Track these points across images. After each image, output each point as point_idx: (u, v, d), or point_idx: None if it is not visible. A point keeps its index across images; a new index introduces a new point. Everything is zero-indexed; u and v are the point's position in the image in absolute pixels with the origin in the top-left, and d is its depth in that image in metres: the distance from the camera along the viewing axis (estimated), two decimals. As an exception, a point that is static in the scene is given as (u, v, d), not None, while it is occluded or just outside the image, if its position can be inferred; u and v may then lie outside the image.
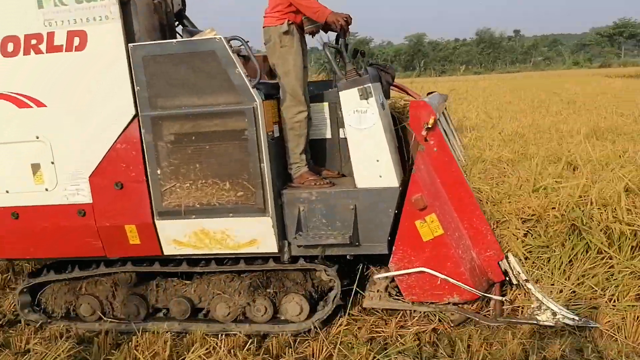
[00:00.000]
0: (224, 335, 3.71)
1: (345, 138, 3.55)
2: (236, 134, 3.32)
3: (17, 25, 3.40)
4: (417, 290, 3.61)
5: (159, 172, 3.43)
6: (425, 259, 3.54)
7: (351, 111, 3.37)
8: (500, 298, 3.54)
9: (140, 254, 3.67)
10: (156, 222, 3.50)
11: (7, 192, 3.62)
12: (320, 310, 3.76)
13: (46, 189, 3.57)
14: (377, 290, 3.79)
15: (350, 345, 3.44)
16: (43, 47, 3.40)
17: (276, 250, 3.49)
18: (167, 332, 3.79)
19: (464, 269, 3.50)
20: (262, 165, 3.32)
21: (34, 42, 3.40)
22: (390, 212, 3.42)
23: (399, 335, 3.55)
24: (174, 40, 3.42)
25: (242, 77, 3.26)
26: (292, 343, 3.61)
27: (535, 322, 3.43)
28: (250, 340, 3.62)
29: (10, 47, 3.43)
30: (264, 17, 3.59)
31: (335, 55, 3.70)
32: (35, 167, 3.57)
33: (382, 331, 3.60)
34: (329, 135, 3.92)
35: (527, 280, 3.51)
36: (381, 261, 3.92)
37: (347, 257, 3.63)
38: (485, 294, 3.54)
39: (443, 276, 3.48)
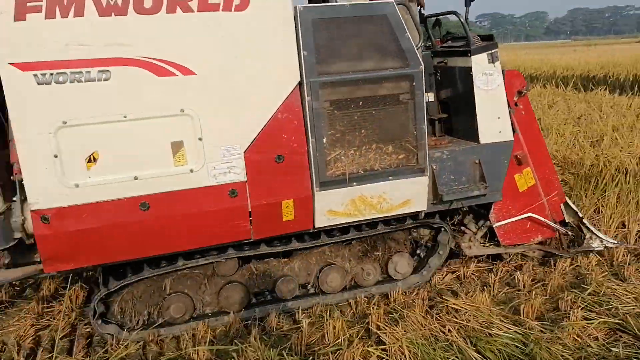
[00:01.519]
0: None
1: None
2: (402, 97, 3.38)
3: (159, -24, 2.84)
4: (512, 235, 4.19)
5: (325, 140, 3.27)
6: (520, 207, 4.13)
7: (480, 74, 3.71)
8: (570, 233, 4.33)
9: (290, 230, 3.45)
10: (315, 193, 3.34)
11: (135, 178, 3.00)
12: (435, 258, 4.08)
13: (191, 170, 3.08)
14: (469, 240, 4.24)
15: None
16: (194, 4, 2.91)
17: (425, 209, 3.67)
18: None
19: (547, 212, 4.21)
20: (422, 127, 3.46)
21: (182, -3, 2.88)
22: (506, 163, 3.89)
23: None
24: (347, 3, 3.25)
25: (411, 41, 3.33)
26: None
27: (592, 249, 4.32)
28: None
29: (147, 3, 2.84)
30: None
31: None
32: (177, 146, 3.04)
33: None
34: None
35: (581, 217, 4.37)
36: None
37: (462, 208, 4.01)
38: (560, 229, 4.30)
39: (547, 220, 4.14)
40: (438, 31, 4.27)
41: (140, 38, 2.87)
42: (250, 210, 3.24)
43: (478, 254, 4.24)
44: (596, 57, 23.11)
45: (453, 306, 3.66)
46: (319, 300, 3.88)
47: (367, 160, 3.41)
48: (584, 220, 4.35)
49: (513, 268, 4.29)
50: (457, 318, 3.52)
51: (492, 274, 4.15)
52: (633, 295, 3.67)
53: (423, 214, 3.78)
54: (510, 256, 4.31)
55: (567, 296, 3.69)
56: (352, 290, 3.98)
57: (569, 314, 3.49)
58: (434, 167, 3.69)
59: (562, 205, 4.34)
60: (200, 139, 3.06)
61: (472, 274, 4.22)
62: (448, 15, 4.23)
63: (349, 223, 3.59)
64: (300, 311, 3.71)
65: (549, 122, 8.82)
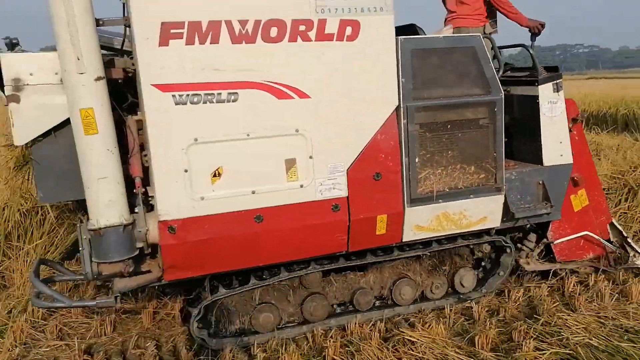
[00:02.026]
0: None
1: None
2: (484, 122, 3.71)
3: (284, 9, 3.13)
4: (567, 252, 4.50)
5: (417, 160, 3.56)
6: (574, 226, 4.45)
7: (546, 102, 4.06)
8: (618, 251, 4.65)
9: (381, 243, 3.70)
10: (406, 209, 3.61)
11: (252, 192, 3.24)
12: (496, 276, 4.35)
13: (301, 186, 3.33)
14: (527, 256, 4.54)
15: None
16: (312, 34, 3.21)
17: (498, 225, 3.97)
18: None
19: (598, 231, 4.54)
20: (501, 150, 3.77)
21: (302, 28, 3.18)
22: (565, 185, 4.22)
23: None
24: (441, 36, 3.58)
25: (493, 70, 3.67)
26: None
27: (636, 265, 4.64)
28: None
29: (273, 31, 3.13)
30: (461, 17, 4.01)
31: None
32: (290, 163, 3.30)
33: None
34: None
35: (626, 236, 4.71)
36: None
37: (526, 226, 4.32)
38: (611, 247, 4.61)
39: (601, 238, 4.46)
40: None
41: (265, 64, 3.14)
42: (349, 224, 3.49)
43: (536, 269, 4.53)
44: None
45: (409, 338, 3.68)
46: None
47: (452, 179, 3.70)
48: (629, 240, 4.68)
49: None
50: (413, 350, 3.56)
51: (448, 306, 4.17)
52: (583, 326, 3.76)
53: (494, 231, 4.07)
54: (565, 272, 4.60)
55: (520, 326, 3.76)
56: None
57: (522, 344, 3.55)
58: (504, 187, 4.00)
59: (608, 225, 4.67)
60: (310, 157, 3.32)
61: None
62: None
63: (430, 238, 3.85)
64: (255, 346, 3.70)
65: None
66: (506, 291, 4.40)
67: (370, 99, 3.40)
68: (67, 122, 3.16)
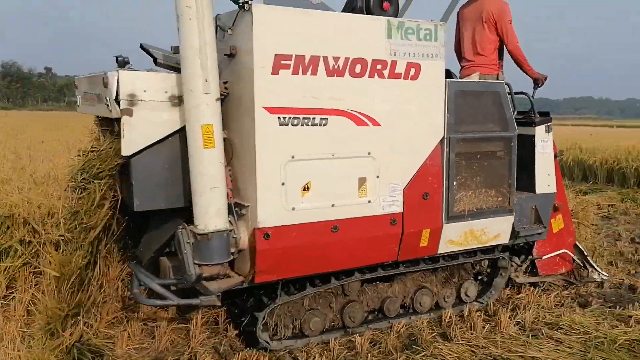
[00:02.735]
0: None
1: None
2: (502, 154, 4.45)
3: (367, 50, 3.70)
4: (547, 267, 5.34)
5: (455, 183, 4.21)
6: (552, 245, 5.31)
7: (540, 140, 4.91)
8: (583, 267, 5.57)
9: (421, 254, 4.27)
10: (444, 225, 4.22)
11: (332, 205, 3.70)
12: (494, 289, 5.06)
13: (369, 201, 3.84)
14: (515, 270, 5.31)
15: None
16: (386, 72, 3.79)
17: (507, 242, 4.69)
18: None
19: (570, 250, 5.45)
20: (514, 177, 4.54)
21: (379, 67, 3.76)
22: (550, 210, 5.07)
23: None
24: (475, 81, 4.29)
25: (511, 111, 4.45)
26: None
27: (593, 279, 5.60)
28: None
29: (358, 68, 3.68)
30: (479, 66, 4.77)
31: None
32: (362, 181, 3.80)
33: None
34: None
35: (586, 255, 5.65)
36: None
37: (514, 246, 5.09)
38: (580, 263, 5.52)
39: (573, 256, 5.34)
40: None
41: (349, 94, 3.67)
42: (401, 236, 4.04)
43: (524, 282, 5.31)
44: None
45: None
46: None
47: (478, 200, 4.38)
48: (588, 258, 5.63)
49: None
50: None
51: (332, 339, 4.21)
52: (456, 354, 3.97)
53: (501, 247, 4.80)
54: (543, 284, 5.43)
55: (399, 357, 3.95)
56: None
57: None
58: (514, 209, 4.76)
59: (573, 245, 5.61)
60: (377, 177, 3.85)
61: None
62: None
63: (456, 251, 4.49)
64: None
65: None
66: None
67: (425, 129, 4.02)
68: (166, 137, 3.48)
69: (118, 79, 3.29)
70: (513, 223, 4.66)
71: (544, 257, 5.22)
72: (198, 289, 3.54)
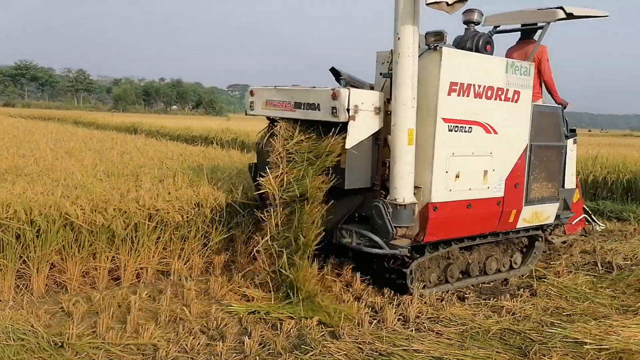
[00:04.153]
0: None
1: None
2: (556, 158, 6.20)
3: (495, 80, 5.28)
4: (571, 228, 7.21)
5: (531, 177, 5.88)
6: (575, 212, 7.17)
7: (569, 150, 6.71)
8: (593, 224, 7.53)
9: (507, 228, 5.88)
10: (523, 207, 5.88)
11: (469, 189, 5.22)
12: (533, 257, 6.81)
13: (487, 187, 5.40)
14: (551, 234, 7.10)
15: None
16: (502, 96, 5.39)
17: (552, 222, 6.43)
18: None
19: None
20: (562, 175, 6.30)
21: (500, 92, 5.35)
22: (572, 201, 6.91)
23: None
24: (548, 105, 6.00)
25: (564, 128, 6.21)
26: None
27: (597, 231, 7.59)
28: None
29: (489, 93, 5.25)
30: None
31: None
32: (485, 173, 5.36)
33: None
34: None
35: (590, 213, 7.62)
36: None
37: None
38: (592, 222, 7.48)
39: (587, 217, 7.28)
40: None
41: (483, 111, 5.22)
42: (501, 214, 5.63)
43: (558, 241, 7.14)
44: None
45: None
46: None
47: (542, 190, 6.09)
48: (592, 216, 7.63)
49: (244, 329, 4.42)
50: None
51: (220, 342, 4.06)
52: (344, 352, 4.03)
53: (546, 226, 6.55)
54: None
55: (289, 358, 3.93)
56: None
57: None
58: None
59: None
60: (493, 170, 5.43)
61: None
62: None
63: (525, 227, 6.16)
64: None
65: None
66: (278, 324, 4.49)
67: (520, 137, 5.67)
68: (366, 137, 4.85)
69: (349, 94, 4.62)
70: (557, 208, 6.44)
71: (573, 222, 7.08)
72: (392, 244, 4.90)
